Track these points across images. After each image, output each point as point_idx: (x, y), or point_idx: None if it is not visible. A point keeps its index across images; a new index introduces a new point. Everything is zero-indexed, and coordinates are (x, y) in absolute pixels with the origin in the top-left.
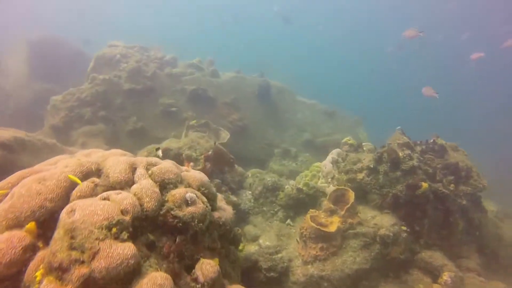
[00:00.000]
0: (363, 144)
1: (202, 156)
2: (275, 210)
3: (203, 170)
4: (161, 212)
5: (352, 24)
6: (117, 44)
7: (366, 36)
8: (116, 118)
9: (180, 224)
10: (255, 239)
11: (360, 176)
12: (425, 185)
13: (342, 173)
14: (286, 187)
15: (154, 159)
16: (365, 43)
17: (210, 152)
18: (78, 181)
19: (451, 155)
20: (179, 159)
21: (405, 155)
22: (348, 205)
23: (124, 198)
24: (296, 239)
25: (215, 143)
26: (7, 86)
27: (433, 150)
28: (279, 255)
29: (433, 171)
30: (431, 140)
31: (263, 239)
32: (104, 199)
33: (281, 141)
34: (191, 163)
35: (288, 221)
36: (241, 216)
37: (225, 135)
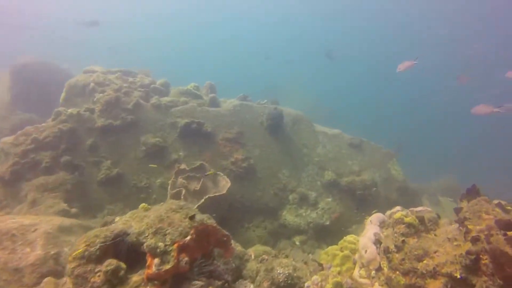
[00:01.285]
0: (416, 211)
1: (175, 246)
2: None
3: (175, 270)
4: None
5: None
6: (94, 69)
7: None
8: (85, 163)
9: None
10: None
11: (433, 285)
12: None
13: (398, 272)
14: (306, 286)
15: None
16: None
17: (188, 238)
18: None
19: None
20: (137, 252)
21: None
22: None
23: None
24: None
25: (192, 217)
26: None
27: None
28: None
29: None
30: None
31: None
32: None
33: (297, 184)
34: (156, 260)
35: None
36: None
37: (225, 183)
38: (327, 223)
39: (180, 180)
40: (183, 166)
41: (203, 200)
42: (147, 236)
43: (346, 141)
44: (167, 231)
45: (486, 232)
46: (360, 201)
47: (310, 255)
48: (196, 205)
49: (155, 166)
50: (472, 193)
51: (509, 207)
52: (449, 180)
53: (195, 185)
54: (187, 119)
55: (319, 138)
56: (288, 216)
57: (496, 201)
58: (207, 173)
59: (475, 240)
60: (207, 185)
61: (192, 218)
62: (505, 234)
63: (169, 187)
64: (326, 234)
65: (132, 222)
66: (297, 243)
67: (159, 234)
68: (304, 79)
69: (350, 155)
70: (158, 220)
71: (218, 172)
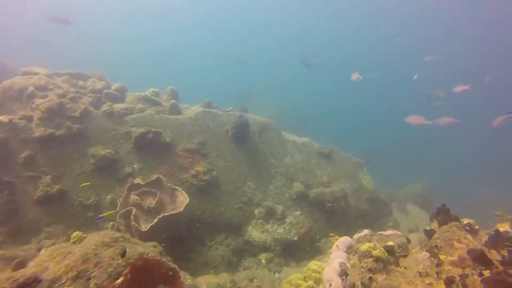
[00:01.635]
0: (385, 235)
1: None
2: None
3: None
4: None
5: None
6: (36, 71)
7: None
8: (17, 180)
9: None
10: None
11: None
12: None
13: None
14: None
15: None
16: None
17: (119, 280)
18: None
19: None
20: None
21: None
22: None
23: None
24: None
25: (123, 254)
26: None
27: None
28: None
29: None
30: (501, 230)
31: None
32: None
33: (263, 197)
34: None
35: None
36: None
37: (183, 199)
38: (295, 238)
39: (132, 196)
40: (137, 180)
41: (156, 220)
42: (64, 283)
43: (316, 150)
44: (92, 274)
45: (460, 271)
46: (330, 214)
47: (276, 274)
48: (149, 226)
49: (87, 184)
50: (442, 213)
51: (477, 226)
52: (417, 187)
53: (151, 201)
54: (143, 129)
55: (287, 148)
56: (254, 232)
57: (466, 221)
58: (102, 215)
59: (449, 283)
60: (164, 201)
61: (123, 255)
62: (481, 274)
63: (118, 205)
64: (294, 250)
65: (50, 262)
66: (263, 261)
67: (81, 278)
68: (280, 83)
69: (320, 165)
70: (82, 260)
71: (176, 187)
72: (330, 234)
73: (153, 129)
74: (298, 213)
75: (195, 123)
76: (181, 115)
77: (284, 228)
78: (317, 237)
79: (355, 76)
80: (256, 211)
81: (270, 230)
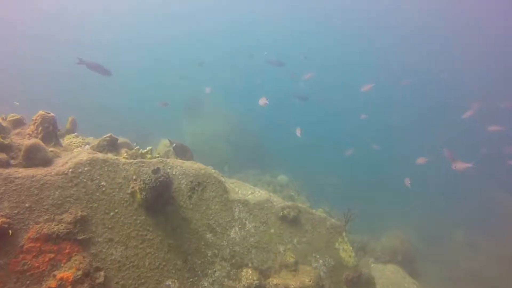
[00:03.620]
0: None
1: None
2: None
3: None
4: None
5: None
6: None
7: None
8: None
9: None
10: None
11: None
12: None
13: None
14: None
15: None
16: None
17: None
18: None
19: None
20: None
21: None
22: None
23: None
24: None
25: None
26: None
27: None
28: None
29: None
30: None
31: None
32: None
33: None
34: None
35: None
36: None
37: None
38: None
39: None
40: None
41: None
42: None
43: (277, 212)
44: None
45: None
46: None
47: None
48: None
49: None
50: None
51: None
52: (396, 238)
53: None
54: None
55: (234, 213)
56: None
57: None
58: None
59: None
60: None
61: None
62: None
63: None
64: None
65: None
66: None
67: None
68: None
69: (282, 236)
70: None
71: None
72: None
73: None
74: None
75: (72, 182)
76: (44, 169)
77: None
78: None
79: (262, 101)
80: None
81: None
